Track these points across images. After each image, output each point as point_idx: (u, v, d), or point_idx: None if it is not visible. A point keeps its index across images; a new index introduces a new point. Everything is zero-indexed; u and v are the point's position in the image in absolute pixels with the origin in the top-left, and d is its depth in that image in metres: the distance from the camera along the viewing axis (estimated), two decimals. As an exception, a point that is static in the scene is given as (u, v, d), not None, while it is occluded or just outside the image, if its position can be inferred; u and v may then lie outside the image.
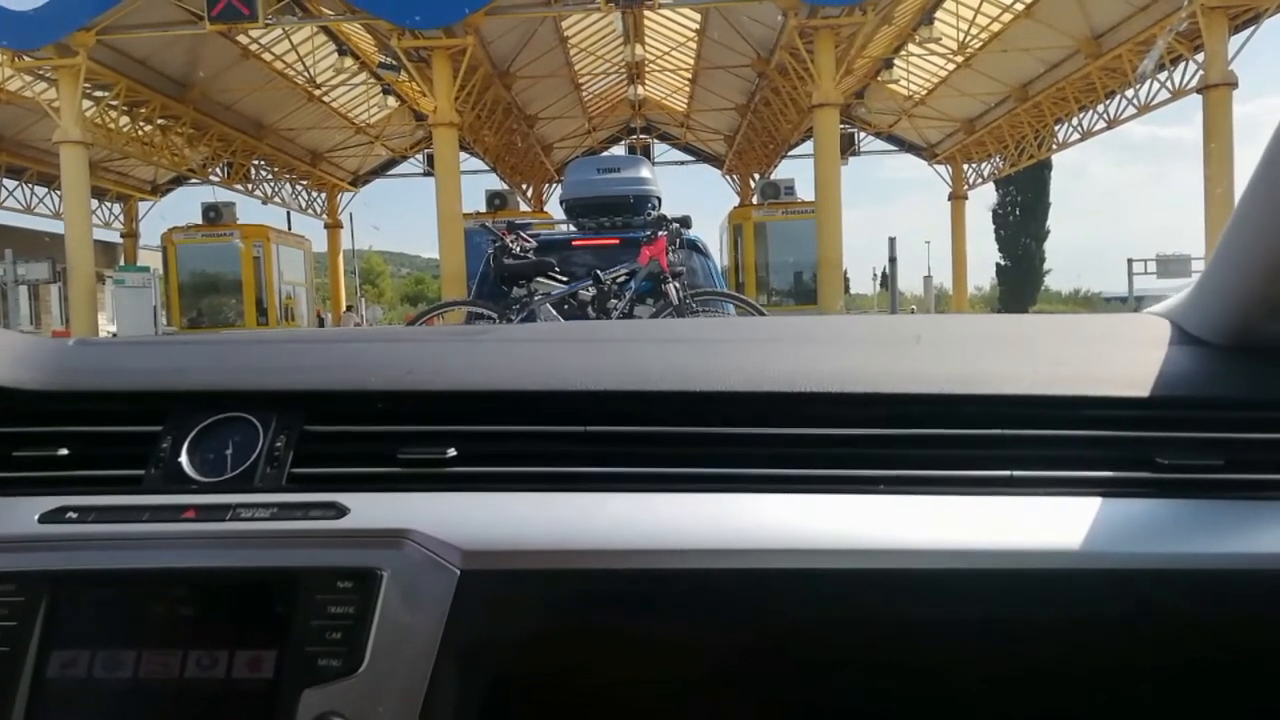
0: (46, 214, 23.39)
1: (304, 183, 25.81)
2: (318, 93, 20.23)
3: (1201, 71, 14.38)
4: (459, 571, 0.83)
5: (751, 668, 0.87)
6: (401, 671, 0.80)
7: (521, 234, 5.18)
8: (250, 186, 23.54)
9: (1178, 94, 16.24)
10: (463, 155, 17.06)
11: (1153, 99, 17.18)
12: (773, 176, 21.06)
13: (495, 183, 23.53)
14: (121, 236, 26.07)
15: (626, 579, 0.84)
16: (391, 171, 27.61)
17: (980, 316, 1.33)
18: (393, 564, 0.83)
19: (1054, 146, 21.54)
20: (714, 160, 28.40)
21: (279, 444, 0.93)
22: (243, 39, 16.69)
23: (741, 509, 0.86)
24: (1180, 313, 1.07)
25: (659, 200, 6.48)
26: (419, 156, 25.75)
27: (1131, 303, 23.01)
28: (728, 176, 28.23)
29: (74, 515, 0.88)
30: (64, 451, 0.95)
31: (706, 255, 5.94)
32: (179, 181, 24.94)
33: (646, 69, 21.74)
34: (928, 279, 22.85)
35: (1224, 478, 0.87)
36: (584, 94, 23.39)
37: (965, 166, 24.88)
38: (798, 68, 15.39)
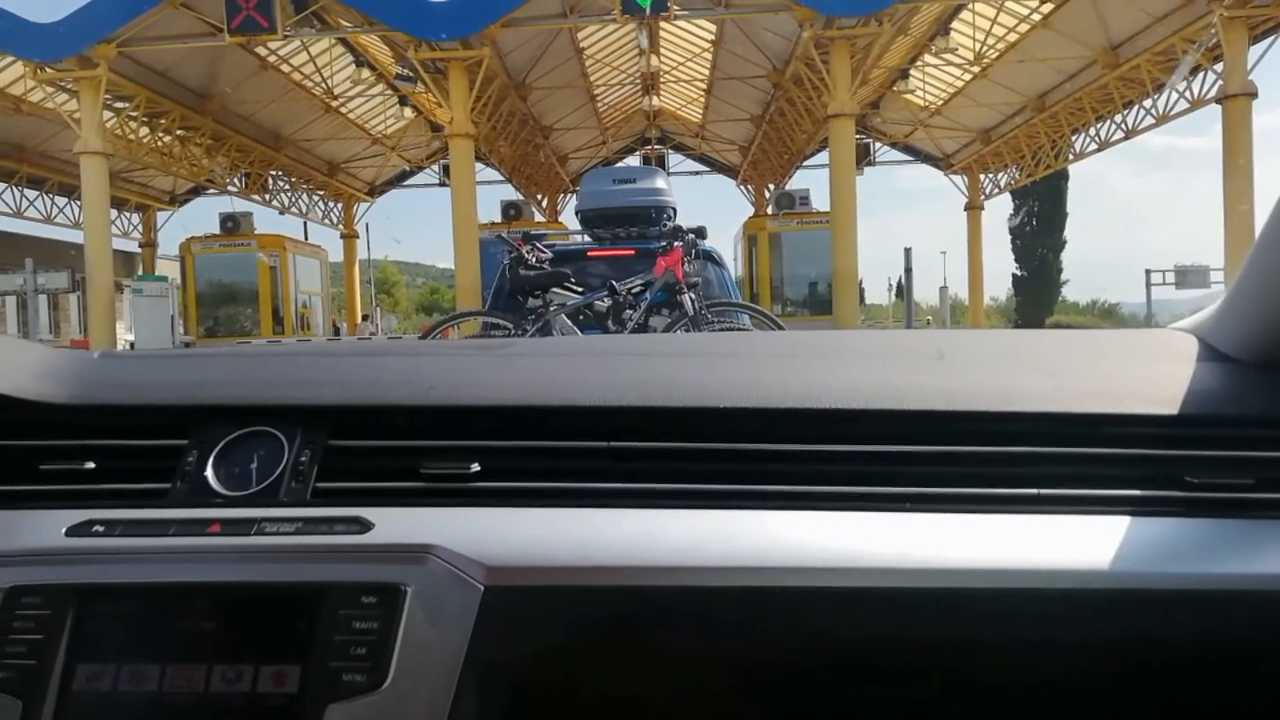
0: (66, 224, 23.63)
1: (321, 193, 25.97)
2: (335, 104, 20.38)
3: (1220, 82, 14.30)
4: (483, 587, 0.83)
5: (777, 686, 0.87)
6: (425, 688, 0.80)
7: (537, 245, 5.20)
8: (268, 197, 23.71)
9: (1197, 104, 16.14)
10: (478, 166, 17.13)
11: (1171, 109, 17.09)
12: (788, 187, 21.06)
13: (511, 193, 23.68)
14: (140, 246, 26.30)
15: (651, 596, 0.83)
16: (407, 182, 27.77)
17: (1002, 331, 1.32)
18: (417, 579, 0.83)
19: (1071, 157, 21.45)
20: (729, 171, 28.42)
21: (303, 458, 0.94)
22: (261, 51, 16.83)
23: (765, 526, 0.86)
24: (1207, 329, 1.06)
25: (674, 211, 6.49)
26: (435, 167, 25.89)
27: (1150, 313, 22.85)
28: (742, 187, 28.24)
29: (100, 529, 0.88)
30: (90, 465, 0.95)
31: (722, 266, 5.94)
32: (197, 192, 25.15)
33: (661, 80, 21.80)
34: (943, 290, 22.73)
35: (1255, 497, 0.86)
36: (599, 105, 23.46)
37: (981, 177, 24.80)
38: (813, 78, 15.40)
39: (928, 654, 0.85)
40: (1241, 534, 0.84)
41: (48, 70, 14.58)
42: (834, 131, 14.56)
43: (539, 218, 21.06)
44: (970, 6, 16.28)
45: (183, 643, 0.83)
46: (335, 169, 25.03)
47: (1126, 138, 19.01)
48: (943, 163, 25.24)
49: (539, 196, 27.35)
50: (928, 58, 18.88)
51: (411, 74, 15.90)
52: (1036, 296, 31.32)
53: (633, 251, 5.57)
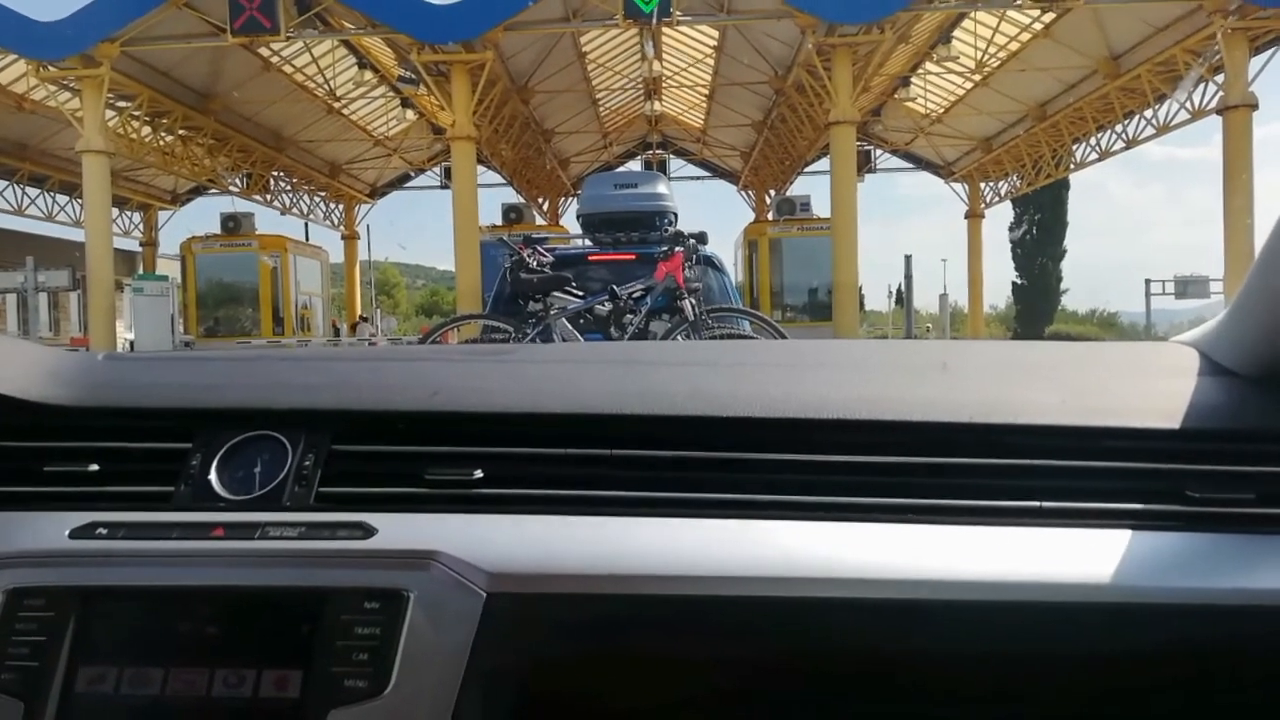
0: (68, 222, 23.63)
1: (322, 194, 25.98)
2: (337, 105, 20.39)
3: (1221, 93, 14.32)
4: (485, 594, 0.83)
5: (777, 696, 0.87)
6: (427, 694, 0.80)
7: (538, 248, 5.20)
8: (269, 197, 23.72)
9: (1197, 115, 16.16)
10: (480, 169, 17.14)
11: (1172, 119, 17.11)
12: (789, 193, 21.08)
13: (512, 196, 23.62)
14: (141, 245, 26.30)
15: (652, 605, 0.83)
16: (409, 184, 27.77)
17: (1005, 343, 1.32)
18: (419, 585, 0.83)
19: (1072, 166, 21.48)
20: (730, 176, 28.44)
21: (307, 463, 0.94)
22: (264, 51, 16.84)
23: (768, 536, 0.86)
24: (1208, 342, 1.06)
25: (675, 216, 6.50)
26: (436, 169, 25.89)
27: (1150, 323, 22.87)
28: (743, 192, 28.26)
29: (104, 531, 0.88)
30: (94, 467, 0.95)
31: (722, 271, 5.94)
32: (199, 191, 25.15)
33: (663, 85, 21.82)
34: (943, 297, 22.75)
35: (1256, 512, 0.86)
36: (601, 109, 23.49)
37: (982, 185, 24.83)
38: (815, 85, 15.42)
39: (928, 665, 0.85)
40: (1242, 549, 0.84)
41: (51, 69, 14.60)
42: (835, 138, 14.58)
43: (540, 221, 21.10)
44: (972, 15, 16.31)
45: (185, 646, 0.83)
46: (337, 170, 25.04)
47: (1127, 147, 19.03)
48: (943, 170, 25.27)
49: (540, 200, 27.36)
50: (929, 65, 18.89)
51: (414, 76, 15.92)
52: (1036, 305, 31.33)
53: (633, 256, 5.57)
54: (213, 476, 0.94)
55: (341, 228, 27.20)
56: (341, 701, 0.79)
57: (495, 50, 14.72)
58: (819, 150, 20.86)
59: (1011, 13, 15.91)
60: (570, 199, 27.39)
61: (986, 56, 17.53)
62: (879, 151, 25.06)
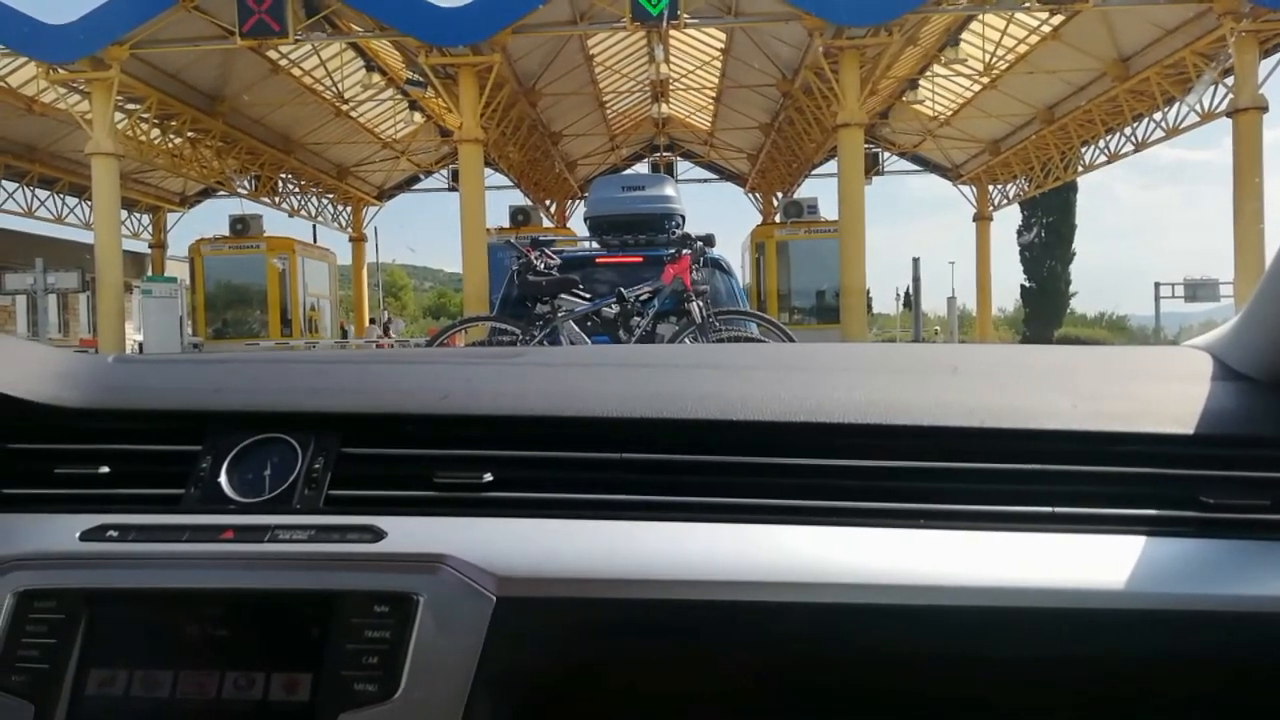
0: (77, 224, 23.73)
1: (330, 196, 26.06)
2: (345, 108, 20.45)
3: (1231, 95, 14.27)
4: (495, 598, 0.83)
5: (788, 700, 0.87)
6: (437, 698, 0.80)
7: (545, 251, 5.21)
8: (277, 199, 23.79)
9: (1207, 117, 16.10)
10: (487, 171, 17.18)
11: (1181, 122, 17.06)
12: (796, 195, 21.07)
13: (519, 199, 23.67)
14: (150, 247, 26.39)
15: (662, 609, 0.83)
16: (416, 186, 27.82)
17: (1016, 347, 1.31)
18: (429, 589, 0.83)
19: (1080, 169, 21.42)
20: (737, 178, 28.42)
21: (317, 466, 0.94)
22: (273, 54, 16.90)
23: (779, 541, 0.86)
24: (1222, 347, 1.05)
25: (683, 218, 6.50)
26: (444, 172, 25.92)
27: (1159, 326, 22.78)
28: (751, 195, 28.24)
29: (114, 534, 0.88)
30: (104, 469, 0.96)
31: (730, 274, 5.94)
32: (207, 193, 25.22)
33: (671, 87, 21.83)
34: (951, 300, 22.67)
35: (1271, 518, 0.85)
36: (608, 111, 23.50)
37: (990, 187, 24.77)
38: (822, 87, 15.41)
39: (939, 671, 0.84)
40: (1257, 555, 0.83)
41: (60, 71, 14.66)
42: (843, 141, 14.56)
43: (547, 224, 21.13)
44: (980, 18, 16.28)
45: (195, 649, 0.83)
46: (345, 172, 25.11)
47: (1136, 150, 18.98)
48: (951, 173, 25.21)
49: (547, 202, 27.39)
50: (937, 68, 18.86)
51: (422, 79, 15.95)
52: (1045, 308, 31.22)
53: (641, 259, 5.58)
54: (223, 479, 0.94)
55: (349, 230, 27.27)
56: (351, 705, 0.79)
57: (503, 53, 14.74)
58: (827, 153, 20.85)
59: (1020, 15, 15.88)
60: (578, 201, 27.43)
61: (995, 59, 17.49)
62: (887, 154, 25.00)
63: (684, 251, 4.96)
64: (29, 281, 16.52)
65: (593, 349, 2.61)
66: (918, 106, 21.00)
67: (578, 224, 21.93)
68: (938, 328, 25.36)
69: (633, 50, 19.55)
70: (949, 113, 21.43)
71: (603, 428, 0.95)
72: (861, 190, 14.65)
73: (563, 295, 4.94)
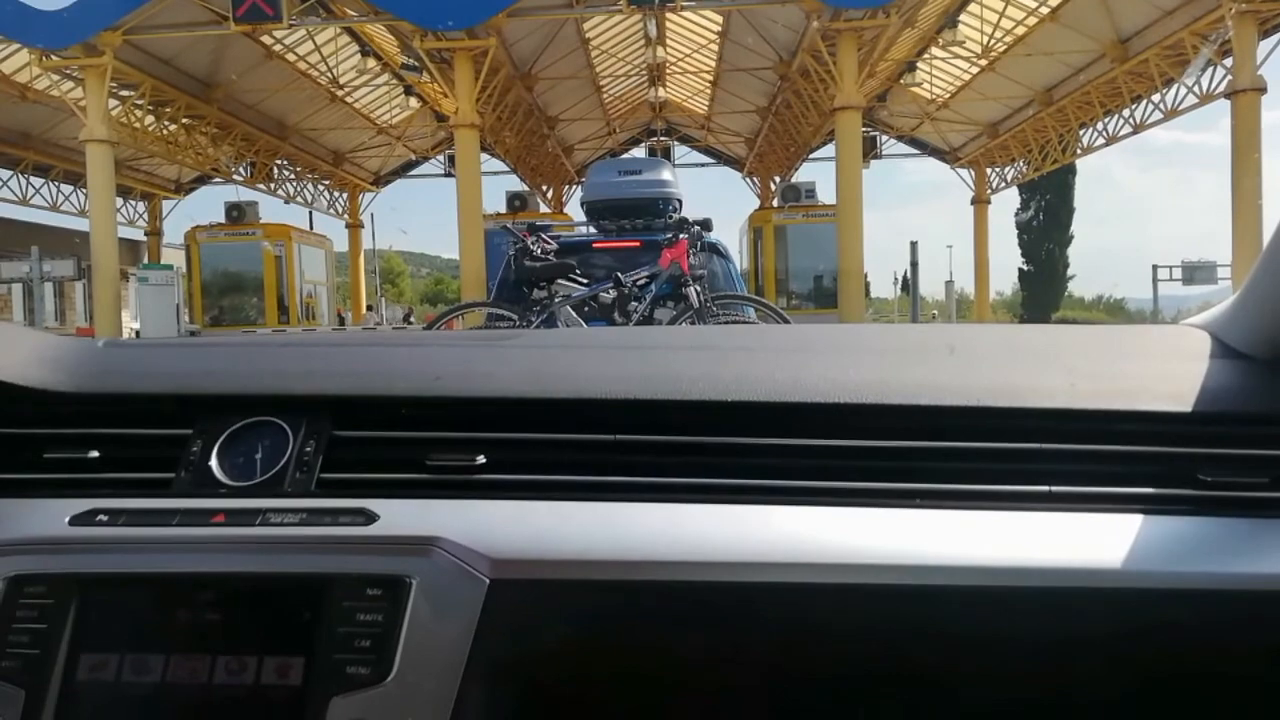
0: (72, 211, 23.68)
1: (326, 183, 25.99)
2: (340, 93, 20.38)
3: (1230, 76, 14.22)
4: (488, 580, 0.82)
5: (784, 682, 0.86)
6: (430, 681, 0.79)
7: (542, 236, 5.19)
8: (273, 186, 23.73)
9: (1205, 99, 16.07)
10: (483, 156, 17.12)
11: (1180, 104, 17.02)
12: (793, 179, 21.02)
13: (516, 184, 23.64)
14: (146, 234, 26.35)
15: (657, 591, 0.83)
16: (413, 172, 27.77)
17: (1013, 327, 1.31)
18: (422, 572, 0.82)
19: (1078, 151, 21.38)
20: (734, 163, 28.36)
21: (308, 449, 0.93)
22: (267, 39, 16.82)
23: (774, 521, 0.85)
24: (1220, 325, 1.04)
25: (680, 203, 6.48)
26: (440, 157, 25.86)
27: (1157, 309, 22.80)
28: (748, 179, 28.19)
29: (104, 518, 0.88)
30: (94, 454, 0.95)
31: (727, 258, 5.92)
32: (203, 180, 25.16)
33: (667, 71, 21.74)
34: (949, 284, 22.73)
35: (1269, 496, 0.85)
36: (605, 96, 23.42)
37: (988, 170, 24.73)
38: (820, 70, 15.35)
39: (935, 651, 0.84)
40: (1255, 533, 0.83)
41: (53, 58, 14.58)
42: (840, 124, 14.51)
43: (544, 209, 21.07)
44: (978, -1, 16.23)
45: (186, 633, 0.83)
46: (340, 158, 25.03)
47: (1134, 132, 18.94)
48: (949, 156, 25.17)
49: (544, 187, 27.33)
50: (935, 50, 18.79)
51: (417, 64, 15.88)
52: (1042, 291, 31.25)
53: (638, 243, 5.56)
54: (213, 463, 0.93)
55: (345, 216, 27.20)
56: (344, 689, 0.79)
57: (498, 37, 14.67)
58: (824, 136, 20.79)
59: (1018, -4, 15.82)
60: (574, 186, 27.37)
61: (993, 41, 17.44)
62: (884, 137, 24.95)
63: (681, 236, 4.95)
64: (25, 270, 16.47)
65: (587, 331, 2.61)
66: (916, 89, 20.93)
67: (575, 209, 21.92)
68: (935, 311, 25.38)
69: (629, 34, 19.47)
70: (947, 95, 21.38)
71: (596, 409, 0.95)
72: (859, 173, 14.61)
73: (560, 280, 4.93)
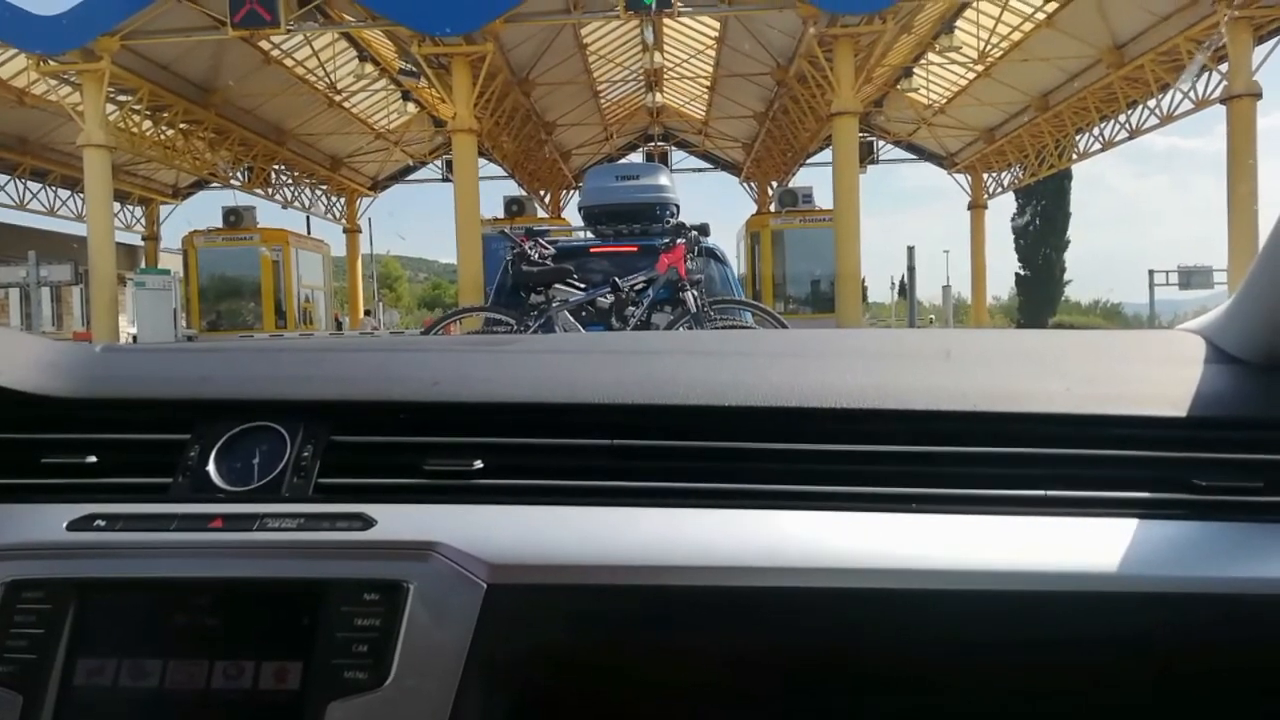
0: (70, 216, 23.65)
1: (324, 187, 25.98)
2: (338, 98, 20.38)
3: (1225, 82, 14.27)
4: (486, 585, 0.82)
5: (781, 687, 0.86)
6: (428, 686, 0.79)
7: (540, 241, 5.19)
8: (270, 191, 23.71)
9: (1201, 104, 16.11)
10: (481, 161, 17.13)
11: (1175, 109, 17.07)
12: (791, 184, 21.05)
13: (513, 189, 23.64)
14: (143, 239, 26.33)
15: (655, 596, 0.83)
16: (410, 177, 27.78)
17: (1009, 331, 1.31)
18: (419, 577, 0.82)
19: (1075, 156, 21.43)
20: (732, 168, 28.39)
21: (306, 454, 0.93)
22: (264, 45, 16.81)
23: (771, 526, 0.85)
24: (1215, 330, 1.05)
25: (677, 208, 6.48)
26: (438, 162, 25.89)
27: (1153, 314, 22.84)
28: (745, 184, 28.22)
29: (102, 523, 0.88)
30: (92, 459, 0.95)
31: (724, 263, 5.93)
32: (200, 185, 25.17)
33: (665, 76, 21.77)
34: (946, 288, 22.72)
35: (1263, 500, 0.85)
36: (602, 101, 23.44)
37: (985, 175, 24.78)
38: (817, 76, 15.38)
39: (931, 655, 0.84)
40: (1249, 537, 0.83)
41: (51, 63, 14.59)
42: (837, 129, 14.54)
43: (542, 214, 21.07)
44: (974, 5, 16.26)
45: (184, 638, 0.83)
46: (338, 163, 25.03)
47: (1130, 137, 18.98)
48: (946, 161, 25.21)
49: (542, 192, 27.34)
50: (931, 56, 18.85)
51: (414, 69, 15.89)
52: (1039, 296, 31.28)
53: (635, 248, 5.56)
54: (211, 468, 0.93)
55: (343, 221, 27.20)
56: (341, 693, 0.79)
57: (496, 42, 14.68)
58: (821, 142, 20.82)
59: (1014, 2, 15.88)
60: (572, 191, 27.37)
61: (989, 46, 17.49)
62: (881, 142, 25.02)
63: (679, 241, 4.95)
64: (22, 274, 16.45)
65: (584, 336, 2.61)
66: (912, 94, 20.98)
67: (572, 214, 21.92)
68: (932, 316, 25.38)
69: (626, 39, 19.50)
70: (943, 101, 21.42)
71: (594, 414, 0.95)
72: (856, 178, 14.63)
73: (557, 285, 4.92)
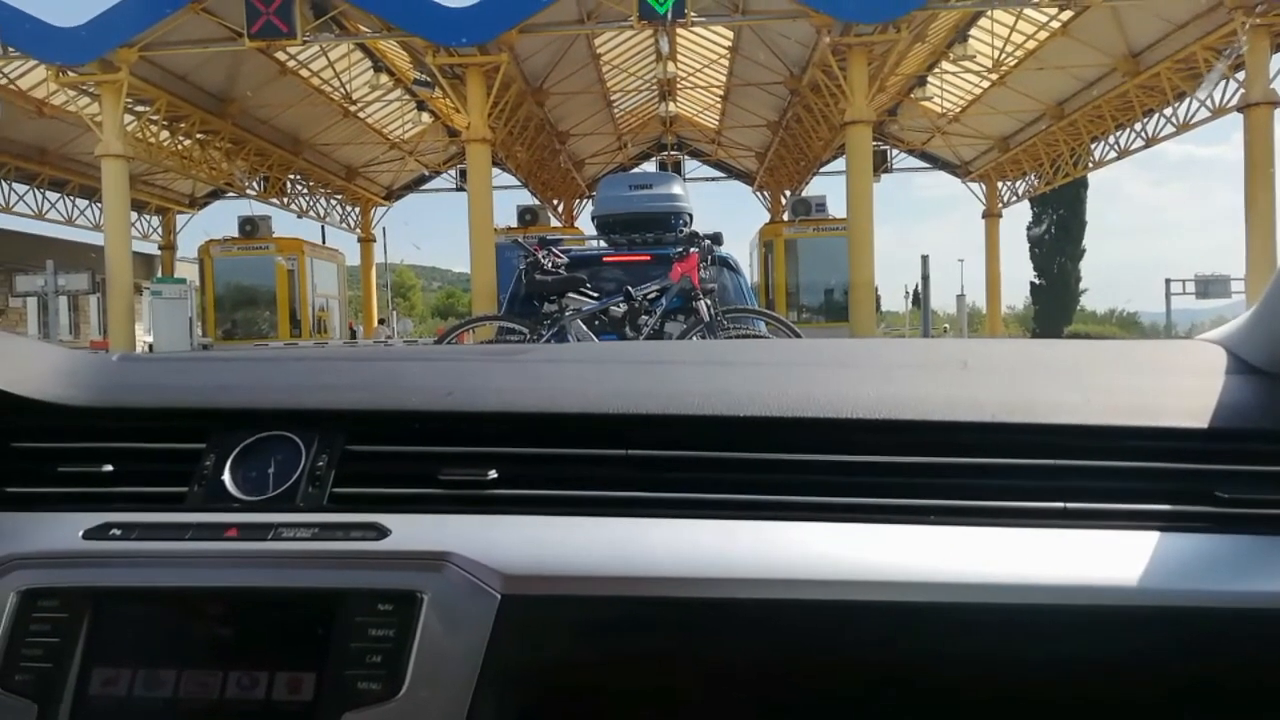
0: (87, 226, 23.84)
1: (339, 197, 26.12)
2: (353, 108, 20.49)
3: (1242, 90, 14.18)
4: (500, 596, 0.82)
5: (797, 699, 0.85)
6: (441, 697, 0.79)
7: (553, 250, 5.20)
8: (286, 200, 23.85)
9: (1218, 112, 16.01)
10: (495, 171, 17.17)
11: (1192, 117, 16.96)
12: (804, 193, 21.02)
13: (527, 198, 23.68)
14: (160, 249, 26.50)
15: (669, 607, 0.82)
16: (424, 187, 27.87)
17: (1026, 341, 1.30)
18: (433, 587, 0.82)
19: (1090, 165, 21.32)
20: (745, 177, 28.39)
21: (321, 463, 0.93)
22: (281, 56, 16.94)
23: (786, 538, 0.85)
24: (1235, 340, 1.04)
25: (690, 217, 6.49)
26: (452, 172, 25.98)
27: (1170, 323, 22.68)
28: (759, 193, 28.20)
29: (118, 532, 0.88)
30: (108, 468, 0.95)
31: (738, 272, 5.93)
32: (216, 195, 25.31)
33: (678, 86, 21.81)
34: (960, 297, 22.60)
35: None
36: (615, 110, 23.49)
37: (1000, 184, 24.68)
38: (830, 85, 15.37)
39: (951, 668, 0.83)
40: (1274, 550, 0.82)
41: (70, 74, 14.72)
42: (851, 138, 14.51)
43: (555, 223, 21.12)
44: (989, 14, 16.22)
45: (198, 648, 0.83)
46: (353, 173, 25.16)
47: (1147, 145, 18.87)
48: (960, 170, 25.13)
49: (555, 202, 27.40)
50: (946, 65, 18.78)
51: (429, 79, 15.96)
52: (1055, 305, 31.10)
53: (648, 257, 5.56)
54: (226, 477, 0.93)
55: (358, 230, 27.33)
56: (355, 704, 0.78)
57: (510, 52, 14.74)
58: (835, 150, 20.78)
59: (1029, 11, 15.81)
60: (585, 201, 27.42)
61: (1004, 55, 17.42)
62: (895, 151, 24.95)
63: (692, 250, 4.95)
64: (40, 283, 16.60)
65: (598, 345, 2.61)
66: (926, 103, 20.93)
67: (585, 223, 21.96)
68: (946, 325, 25.28)
69: (640, 49, 19.54)
70: (958, 109, 21.36)
71: (608, 424, 0.94)
72: (870, 187, 14.60)
73: (570, 294, 4.93)
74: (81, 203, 23.62)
